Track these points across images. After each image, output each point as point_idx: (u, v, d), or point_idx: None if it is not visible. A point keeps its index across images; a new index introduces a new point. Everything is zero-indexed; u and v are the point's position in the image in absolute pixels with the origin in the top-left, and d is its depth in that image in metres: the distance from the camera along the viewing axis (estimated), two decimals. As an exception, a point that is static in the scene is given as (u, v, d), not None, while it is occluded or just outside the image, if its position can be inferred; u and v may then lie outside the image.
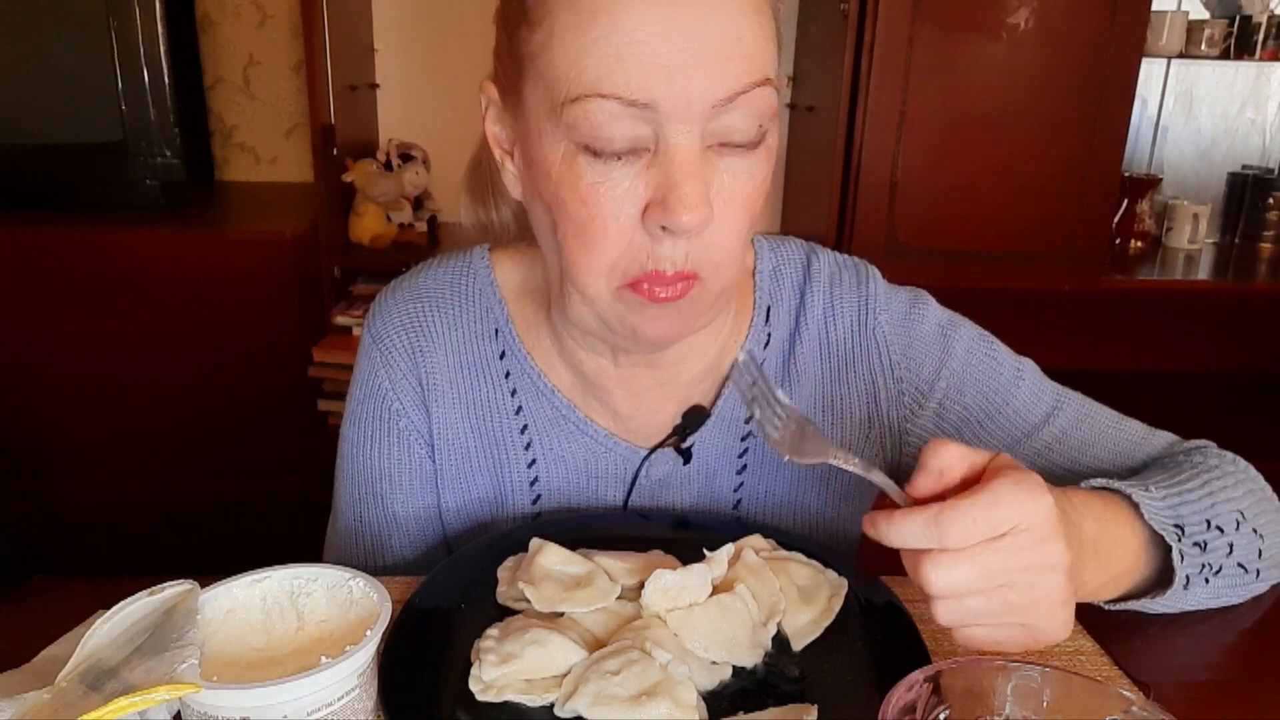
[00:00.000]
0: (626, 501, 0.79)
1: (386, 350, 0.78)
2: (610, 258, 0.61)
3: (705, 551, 0.64)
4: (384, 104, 2.21)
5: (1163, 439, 0.78)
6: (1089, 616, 0.66)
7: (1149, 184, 2.16)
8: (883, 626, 0.62)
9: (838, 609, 0.63)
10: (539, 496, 0.79)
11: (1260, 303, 2.22)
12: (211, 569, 0.57)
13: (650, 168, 0.58)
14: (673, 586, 0.60)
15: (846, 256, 0.81)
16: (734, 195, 0.60)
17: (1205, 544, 0.64)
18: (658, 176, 0.58)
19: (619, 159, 0.58)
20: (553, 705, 0.54)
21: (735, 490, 0.79)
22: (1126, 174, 2.12)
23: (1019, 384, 0.78)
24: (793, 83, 2.21)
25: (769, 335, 0.79)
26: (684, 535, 0.72)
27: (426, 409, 0.78)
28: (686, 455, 0.78)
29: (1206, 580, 0.65)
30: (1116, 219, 2.12)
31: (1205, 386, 2.26)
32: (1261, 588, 0.71)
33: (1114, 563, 0.62)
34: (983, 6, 1.76)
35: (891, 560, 0.71)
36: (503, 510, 0.80)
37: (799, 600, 0.63)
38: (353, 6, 2.03)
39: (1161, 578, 0.65)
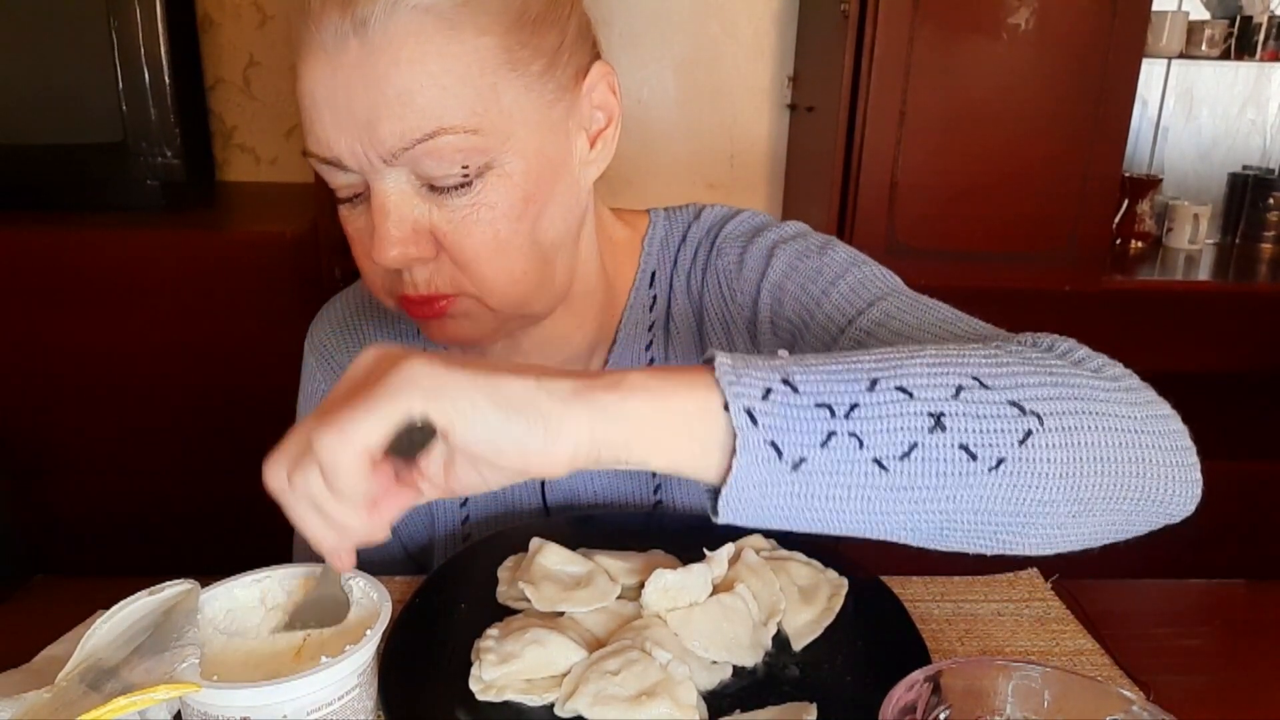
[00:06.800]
0: (543, 481, 0.80)
1: (321, 354, 0.84)
2: (377, 280, 0.66)
3: (705, 551, 0.64)
4: (384, 104, 2.21)
5: (981, 328, 0.63)
6: (1090, 615, 0.66)
7: (1149, 184, 2.16)
8: (883, 626, 0.62)
9: (838, 609, 0.63)
10: None
11: (1260, 303, 2.21)
12: (211, 569, 0.57)
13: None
14: (673, 586, 0.60)
15: (736, 209, 0.80)
16: (458, 227, 0.61)
17: (850, 406, 0.43)
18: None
19: (351, 201, 0.63)
20: (553, 705, 0.54)
21: None
22: (1127, 174, 2.12)
23: (837, 284, 0.70)
24: (793, 83, 2.21)
25: (654, 297, 0.80)
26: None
27: None
28: None
29: (880, 464, 0.43)
30: (1117, 219, 2.12)
31: (1205, 386, 2.26)
32: (1034, 495, 0.46)
33: (656, 395, 0.44)
34: (983, 6, 1.76)
35: (892, 560, 0.72)
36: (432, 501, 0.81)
37: (799, 600, 0.63)
38: (353, 7, 2.03)
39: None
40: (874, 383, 0.44)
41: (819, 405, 0.43)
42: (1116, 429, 0.48)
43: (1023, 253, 1.92)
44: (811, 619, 0.62)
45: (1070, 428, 0.46)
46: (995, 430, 0.45)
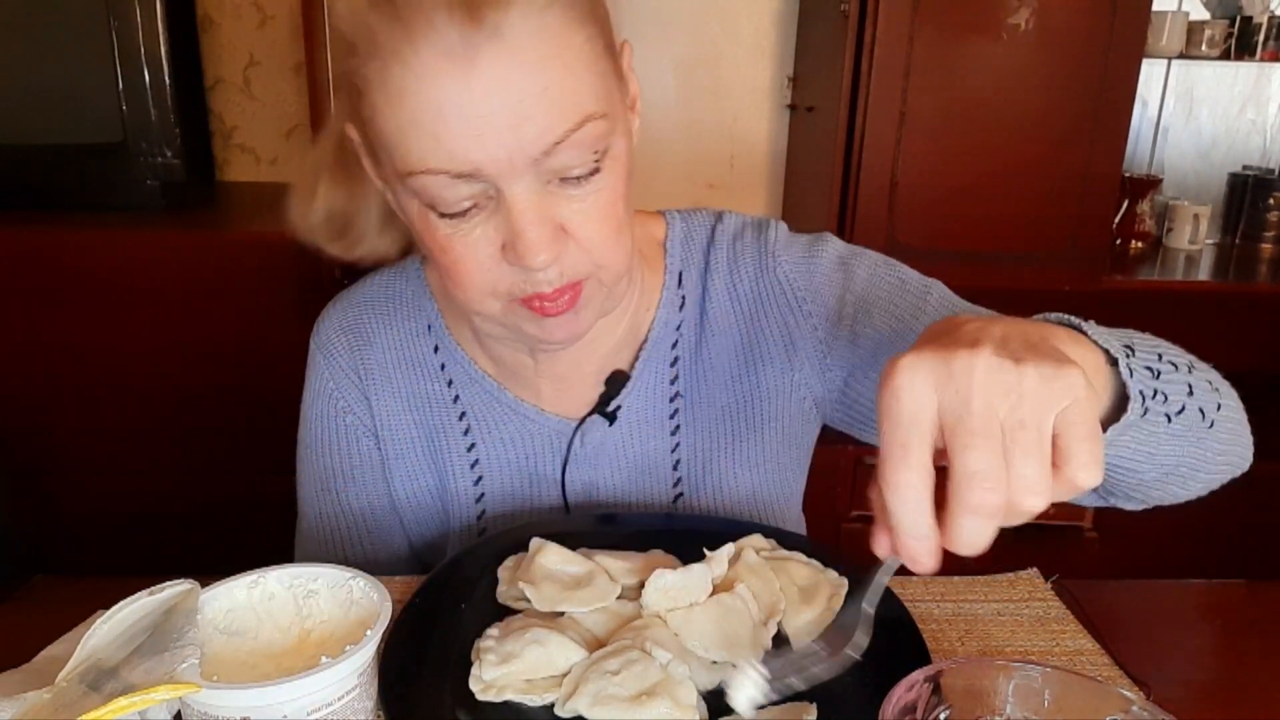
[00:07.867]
0: (564, 472, 0.81)
1: (328, 353, 0.84)
2: (486, 288, 0.65)
3: (705, 551, 0.64)
4: (384, 104, 2.21)
5: None
6: (1090, 615, 0.66)
7: (1149, 184, 2.16)
8: (883, 626, 0.61)
9: (838, 609, 0.63)
10: (480, 478, 0.83)
11: (1261, 303, 2.21)
12: (211, 569, 0.57)
13: (497, 213, 0.61)
14: (673, 586, 0.60)
15: (756, 217, 0.84)
16: (588, 214, 0.63)
17: (1158, 372, 0.58)
18: (505, 223, 0.61)
19: (465, 215, 0.62)
20: (553, 705, 0.54)
21: (673, 451, 0.82)
22: (1127, 174, 2.12)
23: (927, 299, 0.77)
24: (793, 83, 2.21)
25: (683, 298, 0.82)
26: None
27: (368, 402, 0.83)
28: (611, 418, 0.80)
29: (1168, 418, 0.58)
30: (1117, 219, 2.12)
31: (1205, 387, 2.26)
32: (1217, 448, 0.64)
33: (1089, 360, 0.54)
34: (983, 6, 1.76)
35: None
36: (448, 494, 0.83)
37: (799, 600, 0.63)
38: (353, 7, 2.03)
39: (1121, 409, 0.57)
40: (1159, 356, 0.59)
41: (1147, 368, 0.57)
42: (1236, 407, 0.66)
43: (1023, 253, 1.92)
44: (811, 619, 0.62)
45: (1229, 405, 0.65)
46: (1208, 401, 0.61)
